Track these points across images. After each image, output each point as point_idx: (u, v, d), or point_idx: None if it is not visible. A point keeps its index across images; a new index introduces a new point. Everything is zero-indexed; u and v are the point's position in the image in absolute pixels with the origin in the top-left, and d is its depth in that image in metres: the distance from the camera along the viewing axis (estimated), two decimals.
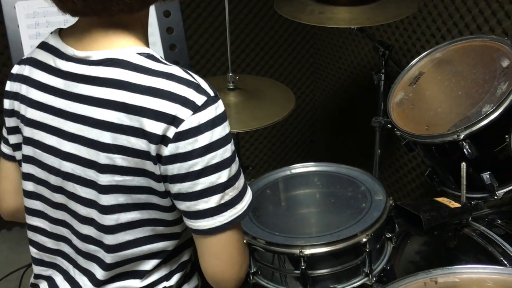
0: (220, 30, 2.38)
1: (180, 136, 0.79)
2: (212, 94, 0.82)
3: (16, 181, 1.02)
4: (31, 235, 1.00)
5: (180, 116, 0.79)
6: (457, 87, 1.43)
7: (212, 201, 0.83)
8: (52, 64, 0.88)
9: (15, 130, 0.98)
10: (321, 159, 1.63)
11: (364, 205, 1.41)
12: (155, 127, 0.79)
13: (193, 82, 0.82)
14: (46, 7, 1.65)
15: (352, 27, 1.63)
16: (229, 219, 0.85)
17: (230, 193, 0.85)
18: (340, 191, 1.50)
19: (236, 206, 0.86)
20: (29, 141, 0.93)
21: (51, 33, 0.92)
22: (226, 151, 0.83)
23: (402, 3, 1.64)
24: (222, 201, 0.84)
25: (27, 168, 0.95)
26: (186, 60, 1.69)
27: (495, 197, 1.35)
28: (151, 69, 0.82)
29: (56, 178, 0.90)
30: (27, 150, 0.94)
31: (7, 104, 0.97)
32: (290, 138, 2.85)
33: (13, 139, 0.99)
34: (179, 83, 0.81)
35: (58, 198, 0.92)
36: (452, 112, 1.40)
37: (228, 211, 0.85)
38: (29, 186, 0.96)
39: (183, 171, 0.81)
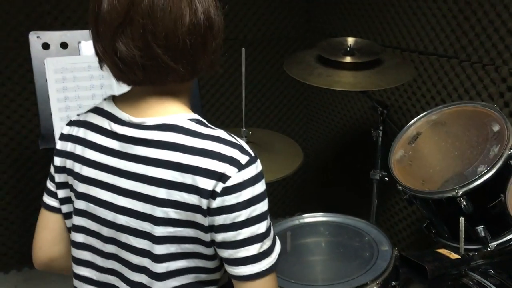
0: (231, 89, 2.57)
1: (227, 191, 0.91)
2: (253, 154, 0.94)
3: (56, 232, 1.10)
4: (78, 284, 1.07)
5: (228, 173, 0.90)
6: (453, 147, 1.58)
7: (252, 249, 0.94)
8: (108, 127, 0.99)
9: (64, 185, 1.07)
10: (317, 209, 1.73)
11: (369, 254, 1.52)
12: (207, 183, 0.90)
13: (237, 143, 0.94)
14: (73, 63, 1.79)
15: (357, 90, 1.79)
16: (267, 267, 0.95)
17: (267, 243, 0.95)
18: (347, 241, 1.61)
19: (271, 255, 0.96)
20: (83, 196, 1.01)
21: (105, 99, 1.04)
22: (264, 205, 0.94)
23: (400, 69, 1.81)
24: (261, 250, 0.94)
25: (79, 220, 1.03)
26: (199, 112, 1.81)
27: (488, 248, 1.48)
28: (201, 133, 0.94)
29: (109, 230, 0.99)
30: (80, 204, 1.02)
31: (58, 161, 1.06)
32: (292, 190, 2.97)
33: (62, 193, 1.07)
34: (225, 144, 0.93)
35: (110, 248, 1.01)
36: (449, 170, 1.54)
37: (266, 259, 0.95)
38: (79, 237, 1.04)
39: (228, 222, 0.92)
